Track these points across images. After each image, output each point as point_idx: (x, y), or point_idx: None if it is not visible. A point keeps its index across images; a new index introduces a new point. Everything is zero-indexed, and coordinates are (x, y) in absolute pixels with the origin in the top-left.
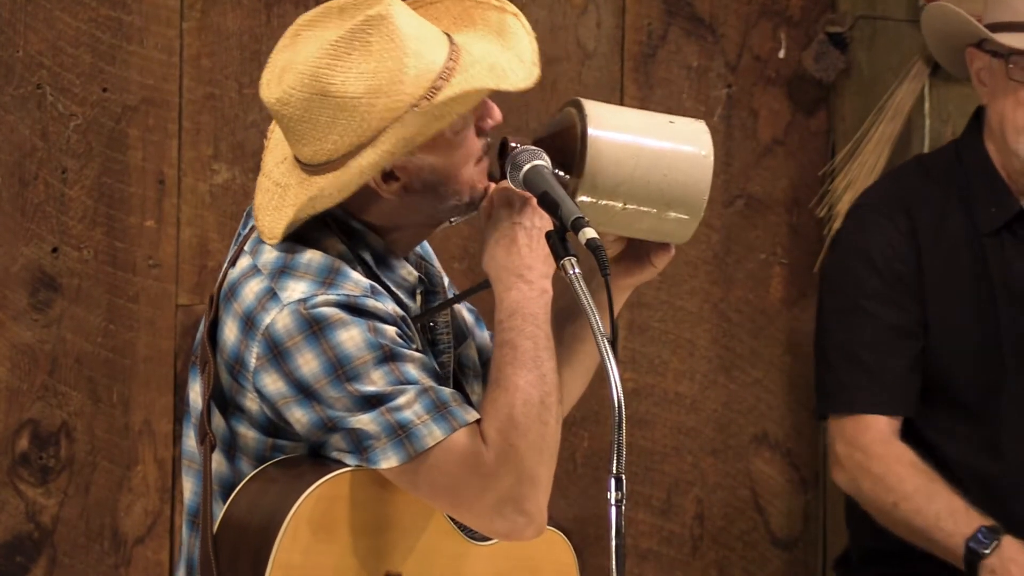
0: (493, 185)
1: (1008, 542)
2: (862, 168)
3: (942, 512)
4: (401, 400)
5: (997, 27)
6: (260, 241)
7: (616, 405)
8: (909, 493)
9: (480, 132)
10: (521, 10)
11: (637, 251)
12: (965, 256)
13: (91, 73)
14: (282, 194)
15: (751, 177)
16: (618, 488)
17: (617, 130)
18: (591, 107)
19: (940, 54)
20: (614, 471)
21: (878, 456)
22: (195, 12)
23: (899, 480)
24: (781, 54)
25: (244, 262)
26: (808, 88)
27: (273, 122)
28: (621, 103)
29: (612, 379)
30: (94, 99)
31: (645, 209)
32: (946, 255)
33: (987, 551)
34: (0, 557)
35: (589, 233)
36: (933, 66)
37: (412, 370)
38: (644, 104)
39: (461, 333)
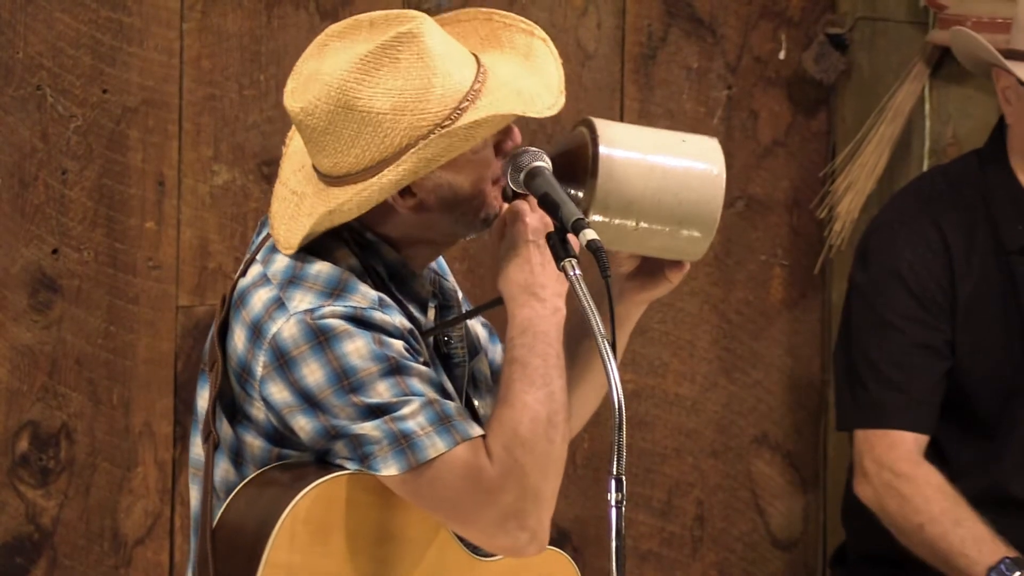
0: (506, 205)
1: None
2: (862, 169)
3: (967, 538)
4: (405, 411)
5: (1017, 55)
6: (273, 250)
7: (616, 407)
8: (936, 516)
9: (499, 152)
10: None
11: (651, 266)
12: (993, 273)
13: (91, 74)
14: (298, 202)
15: (751, 178)
16: (618, 489)
17: (629, 149)
18: (602, 126)
19: (973, 69)
20: (614, 472)
21: (907, 476)
22: (195, 13)
23: (926, 502)
24: (781, 55)
25: (255, 270)
26: (808, 89)
27: (292, 131)
28: (621, 105)
29: (612, 381)
30: (94, 100)
31: (658, 228)
32: (976, 272)
33: None
34: (0, 558)
35: (589, 235)
36: (933, 67)
37: (417, 383)
38: (644, 105)
39: (474, 347)
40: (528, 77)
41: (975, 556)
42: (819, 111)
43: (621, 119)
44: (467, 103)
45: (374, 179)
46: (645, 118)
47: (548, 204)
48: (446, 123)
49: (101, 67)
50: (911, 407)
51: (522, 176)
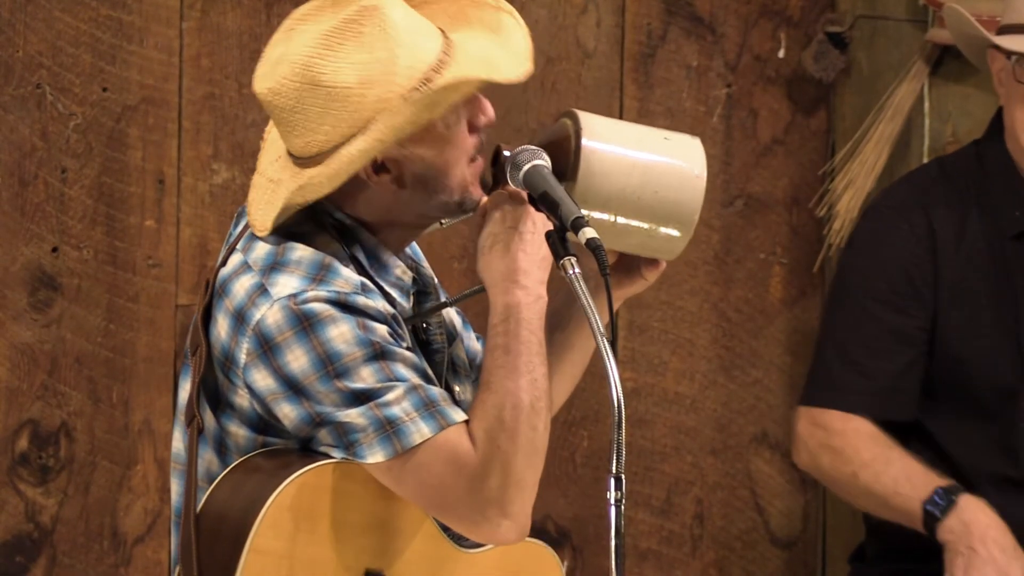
0: (486, 196)
1: (966, 501)
2: (862, 168)
3: (899, 477)
4: (390, 396)
5: (1008, 29)
6: (251, 239)
7: (616, 405)
8: (867, 461)
9: (473, 129)
10: (520, 10)
11: (628, 264)
12: (987, 259)
13: (91, 73)
14: (274, 189)
15: (751, 177)
16: (618, 488)
17: (611, 143)
18: (586, 119)
19: (968, 53)
20: (614, 471)
21: (837, 431)
22: (195, 12)
23: (856, 451)
24: (781, 54)
25: (235, 259)
26: (808, 88)
27: (270, 124)
28: (621, 103)
29: (612, 379)
30: (94, 99)
31: (635, 224)
32: (967, 258)
33: (943, 513)
34: (0, 557)
35: (589, 233)
36: (933, 65)
37: (402, 368)
38: (643, 104)
39: (451, 333)
40: (497, 48)
41: (909, 492)
42: (818, 110)
43: (620, 117)
44: (433, 73)
45: (343, 150)
46: (645, 116)
47: (547, 202)
48: (413, 93)
49: (101, 65)
50: (869, 392)
51: (521, 174)
